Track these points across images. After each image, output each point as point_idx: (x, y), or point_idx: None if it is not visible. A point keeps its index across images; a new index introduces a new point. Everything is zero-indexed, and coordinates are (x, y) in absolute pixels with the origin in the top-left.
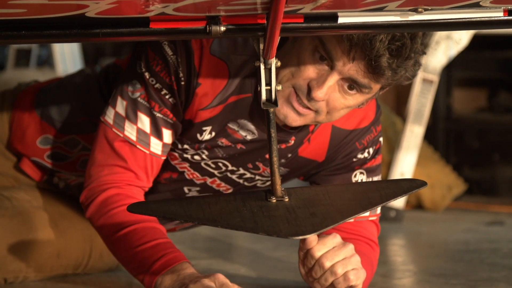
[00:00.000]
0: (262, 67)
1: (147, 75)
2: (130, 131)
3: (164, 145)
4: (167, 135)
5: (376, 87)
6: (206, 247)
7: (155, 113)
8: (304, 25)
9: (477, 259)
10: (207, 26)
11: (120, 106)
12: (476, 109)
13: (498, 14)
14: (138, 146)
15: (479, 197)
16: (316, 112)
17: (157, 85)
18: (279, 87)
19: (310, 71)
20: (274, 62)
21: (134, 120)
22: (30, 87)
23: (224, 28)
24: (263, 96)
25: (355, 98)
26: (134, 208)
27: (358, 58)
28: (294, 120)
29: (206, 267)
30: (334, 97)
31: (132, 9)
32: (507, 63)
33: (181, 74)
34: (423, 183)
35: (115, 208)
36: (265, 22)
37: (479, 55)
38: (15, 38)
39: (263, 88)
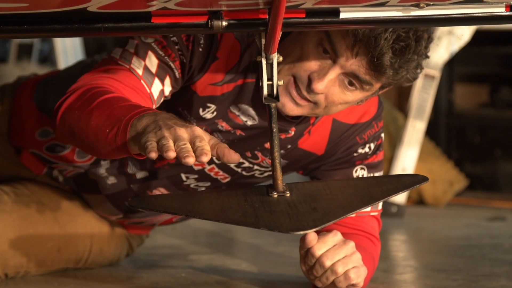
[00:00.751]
0: (263, 62)
1: None
2: (137, 65)
3: (161, 92)
4: (168, 86)
5: (376, 85)
6: (208, 242)
7: (168, 60)
8: (306, 20)
9: (478, 255)
10: (209, 20)
11: (131, 45)
12: (478, 105)
13: (500, 10)
14: (142, 81)
15: (480, 192)
16: (315, 104)
17: (174, 38)
18: (281, 82)
19: (312, 63)
20: (275, 57)
21: (143, 56)
22: (29, 80)
23: (226, 23)
24: (265, 91)
25: (354, 95)
26: (135, 203)
27: (361, 54)
28: (291, 109)
29: (207, 262)
30: (334, 91)
31: (134, 4)
32: (509, 58)
33: (202, 40)
34: (424, 179)
35: (90, 91)
36: (267, 17)
37: (481, 50)
38: (17, 32)
39: (265, 83)
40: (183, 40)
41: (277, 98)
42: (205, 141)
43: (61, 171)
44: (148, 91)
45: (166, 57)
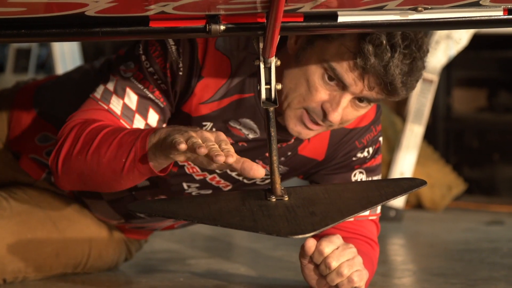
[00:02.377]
0: (261, 66)
1: (143, 57)
2: (115, 105)
3: (146, 125)
4: (153, 118)
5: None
6: (206, 246)
7: (148, 93)
8: (304, 24)
9: (477, 259)
10: (207, 25)
11: (110, 83)
12: (476, 109)
13: (498, 13)
14: (121, 120)
15: (478, 196)
16: (330, 126)
17: (151, 69)
18: (279, 86)
19: (322, 94)
20: (274, 61)
21: (121, 95)
22: (28, 85)
23: (224, 27)
24: (263, 95)
25: (366, 108)
26: (134, 207)
27: (372, 83)
28: (307, 134)
29: (205, 266)
30: (347, 112)
31: (132, 8)
32: (507, 62)
33: (180, 64)
34: (422, 182)
35: (87, 128)
36: (265, 21)
37: (479, 54)
38: (15, 37)
39: (263, 87)
40: (160, 68)
41: (275, 102)
42: (230, 145)
43: None
44: (129, 128)
45: (145, 90)
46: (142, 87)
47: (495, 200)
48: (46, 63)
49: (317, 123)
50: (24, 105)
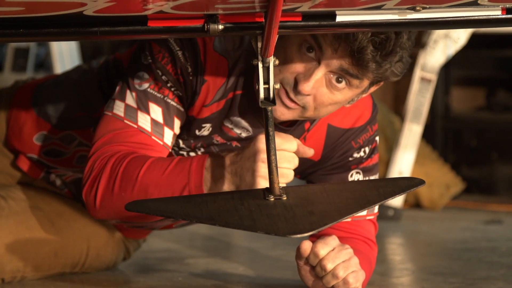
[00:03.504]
0: (260, 65)
1: (154, 66)
2: (144, 122)
3: (174, 135)
4: (177, 125)
5: (364, 81)
6: (204, 246)
7: (169, 100)
8: (302, 23)
9: (475, 258)
10: (205, 24)
11: (130, 98)
12: (474, 108)
13: (496, 13)
14: (153, 137)
15: (477, 195)
16: (303, 107)
17: (164, 77)
18: (277, 86)
19: (298, 65)
20: (272, 61)
21: (146, 110)
22: (27, 84)
23: (222, 27)
24: (261, 94)
25: (343, 94)
26: (132, 206)
27: (343, 49)
28: (282, 113)
29: (204, 266)
30: (322, 92)
31: (130, 7)
32: (505, 61)
33: (189, 69)
34: (421, 182)
35: (122, 164)
36: (263, 20)
37: (477, 53)
38: (13, 36)
39: (261, 86)
40: (172, 75)
41: (273, 102)
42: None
43: (60, 175)
44: (161, 143)
45: (165, 98)
46: (162, 96)
47: (493, 199)
48: (44, 62)
49: (291, 99)
50: (23, 104)
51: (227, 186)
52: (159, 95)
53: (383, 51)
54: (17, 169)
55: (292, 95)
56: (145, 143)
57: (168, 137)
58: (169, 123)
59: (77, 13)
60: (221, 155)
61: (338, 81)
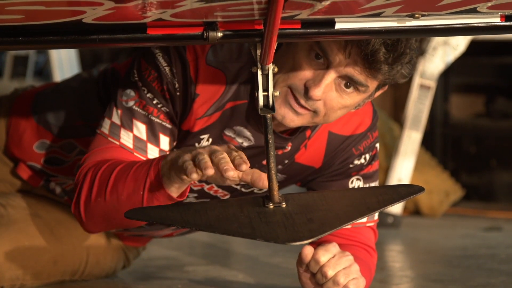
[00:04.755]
0: (259, 73)
1: (140, 84)
2: (126, 139)
3: (161, 151)
4: (164, 142)
5: (372, 84)
6: (204, 253)
7: (153, 118)
8: (301, 31)
9: (474, 265)
10: (204, 32)
11: (115, 115)
12: (474, 115)
13: (495, 20)
14: (135, 153)
15: (476, 202)
16: (314, 112)
17: (149, 94)
18: (276, 93)
19: (306, 71)
20: (271, 68)
21: (129, 127)
22: (26, 92)
23: (221, 34)
24: (260, 102)
25: (352, 97)
26: (131, 214)
27: (354, 54)
28: (292, 120)
29: (203, 273)
30: (331, 97)
31: (129, 15)
32: (504, 68)
33: (176, 85)
34: (420, 189)
35: (100, 170)
36: (262, 28)
37: (476, 61)
38: (12, 44)
39: (260, 94)
40: (158, 92)
41: (272, 109)
42: (241, 153)
43: (60, 184)
44: (144, 159)
45: (150, 116)
46: (146, 114)
47: (492, 206)
48: (43, 70)
49: (301, 105)
50: (23, 112)
51: (172, 159)
52: (143, 112)
53: (395, 53)
54: (17, 177)
55: (302, 101)
56: (127, 158)
57: (153, 153)
58: (152, 140)
59: (76, 21)
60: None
61: (347, 86)
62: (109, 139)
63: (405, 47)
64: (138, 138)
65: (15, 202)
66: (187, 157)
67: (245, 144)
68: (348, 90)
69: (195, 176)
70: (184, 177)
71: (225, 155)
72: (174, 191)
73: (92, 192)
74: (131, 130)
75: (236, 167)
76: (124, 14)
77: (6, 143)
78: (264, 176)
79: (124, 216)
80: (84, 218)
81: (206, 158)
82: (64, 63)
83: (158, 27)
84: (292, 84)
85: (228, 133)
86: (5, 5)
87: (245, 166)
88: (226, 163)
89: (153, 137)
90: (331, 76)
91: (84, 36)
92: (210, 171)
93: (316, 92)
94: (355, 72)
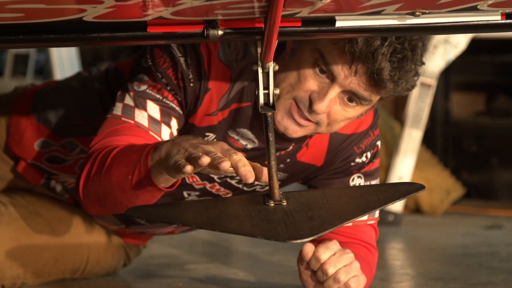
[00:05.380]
0: (260, 71)
1: (153, 69)
2: (141, 118)
3: (171, 134)
4: (175, 126)
5: (376, 98)
6: (205, 251)
7: (168, 102)
8: (302, 29)
9: (475, 263)
10: (205, 30)
11: (128, 98)
12: (474, 113)
13: (495, 18)
14: (150, 132)
15: (477, 201)
16: (317, 124)
17: (164, 80)
18: (277, 91)
19: (311, 84)
20: (272, 66)
21: (143, 107)
22: (26, 90)
23: (222, 32)
24: (261, 100)
25: (355, 110)
26: (132, 212)
27: (360, 71)
28: (295, 131)
29: (204, 271)
30: (335, 110)
31: (130, 13)
32: (505, 67)
33: (191, 76)
34: (421, 187)
35: (100, 154)
36: (263, 26)
37: (477, 59)
38: (13, 42)
39: (261, 92)
40: (172, 79)
41: (273, 107)
42: (233, 151)
43: (62, 182)
44: (159, 139)
45: (164, 99)
46: (160, 97)
47: (493, 204)
48: (44, 68)
49: (304, 117)
50: (23, 111)
51: (161, 156)
52: (158, 95)
53: (400, 70)
54: (17, 175)
55: (306, 114)
56: (143, 136)
57: (166, 134)
58: (166, 121)
59: (76, 19)
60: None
61: (350, 100)
62: (123, 119)
63: (410, 63)
64: (153, 118)
65: (15, 201)
66: (179, 157)
67: (249, 146)
68: (351, 104)
69: (189, 168)
70: (177, 174)
71: (219, 154)
72: (162, 183)
73: (91, 171)
74: (145, 109)
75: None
76: (124, 12)
77: (7, 141)
78: (265, 170)
79: (114, 199)
80: (82, 196)
81: (200, 153)
82: (65, 61)
83: (158, 25)
84: (297, 96)
85: (232, 134)
86: (5, 3)
87: (237, 157)
88: (219, 157)
89: (167, 118)
90: (335, 91)
91: (84, 34)
92: (205, 160)
93: (320, 106)
94: (360, 89)
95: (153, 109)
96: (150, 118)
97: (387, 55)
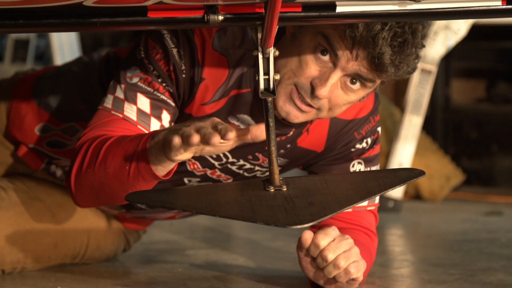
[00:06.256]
0: (260, 56)
1: (146, 61)
2: (129, 111)
3: (161, 127)
4: (166, 119)
5: (377, 81)
6: (205, 237)
7: (159, 94)
8: (302, 14)
9: (475, 249)
10: (205, 15)
11: (119, 90)
12: (475, 100)
13: (496, 3)
14: (138, 126)
15: (477, 187)
16: (318, 109)
17: (155, 72)
18: (277, 77)
19: (313, 69)
20: (272, 52)
21: (133, 100)
22: (27, 75)
23: (222, 17)
24: (261, 85)
25: (357, 94)
26: (132, 197)
27: (361, 55)
28: (296, 117)
29: (204, 257)
30: (337, 94)
31: None
32: (505, 53)
33: (183, 67)
34: (421, 173)
35: (91, 146)
36: (263, 11)
37: (477, 45)
38: (13, 27)
39: (261, 77)
40: (164, 71)
41: (273, 93)
42: (225, 124)
43: (63, 167)
44: (148, 132)
45: (155, 92)
46: (152, 90)
47: (493, 190)
48: (44, 54)
49: (306, 103)
50: (23, 96)
51: (159, 142)
52: (149, 88)
53: (401, 54)
54: (18, 160)
55: (308, 99)
56: (131, 130)
57: (155, 127)
58: (156, 115)
59: (77, 3)
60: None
61: (353, 82)
62: (112, 112)
63: (411, 47)
64: (142, 112)
65: (15, 186)
66: (174, 136)
67: None
68: (354, 87)
69: (177, 140)
70: (172, 154)
71: (210, 129)
72: (160, 170)
73: (83, 163)
74: (135, 103)
75: (223, 137)
76: None
77: (7, 126)
78: (262, 126)
79: (110, 190)
80: (73, 189)
81: (192, 131)
82: (65, 47)
83: (158, 10)
84: (298, 82)
85: (232, 120)
86: None
87: (232, 134)
88: (210, 133)
89: (157, 112)
90: (337, 75)
91: (84, 19)
92: (195, 138)
93: (323, 92)
94: (362, 72)
95: (143, 102)
96: (139, 111)
97: (387, 40)
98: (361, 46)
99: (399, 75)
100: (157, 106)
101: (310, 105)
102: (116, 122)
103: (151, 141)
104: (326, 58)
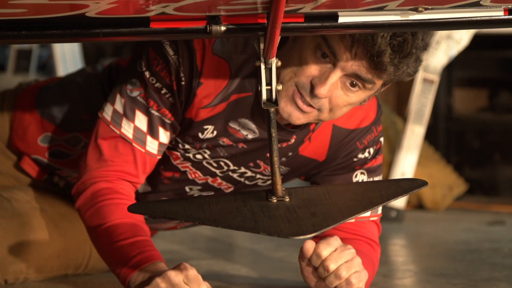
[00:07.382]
0: (262, 66)
1: (147, 74)
2: (127, 129)
3: (160, 144)
4: (163, 135)
5: (378, 83)
6: (207, 247)
7: (153, 112)
8: (304, 24)
9: (478, 259)
10: (208, 25)
11: (119, 103)
12: (477, 109)
13: (498, 13)
14: (134, 144)
15: (480, 197)
16: (319, 110)
17: (157, 84)
18: (280, 87)
19: (312, 69)
20: (274, 62)
21: (131, 118)
22: (30, 86)
23: (225, 28)
24: (264, 96)
25: (357, 95)
26: (134, 208)
27: (360, 54)
28: (298, 118)
29: (206, 267)
30: (337, 94)
31: (133, 9)
32: (507, 62)
33: (181, 74)
34: (423, 183)
35: (102, 201)
36: (266, 21)
37: (479, 54)
38: (16, 38)
39: (264, 88)
40: (166, 81)
41: (275, 103)
42: (200, 281)
43: (66, 177)
44: (143, 151)
45: (151, 109)
46: (149, 107)
47: (496, 200)
48: (47, 64)
49: (307, 103)
50: (26, 106)
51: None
52: (147, 105)
53: (401, 54)
54: (21, 170)
55: (308, 99)
56: (126, 154)
57: (152, 145)
58: (153, 133)
59: (79, 14)
60: (159, 271)
61: (352, 85)
62: (111, 126)
63: (411, 47)
64: (139, 129)
65: (19, 196)
66: None
67: (250, 136)
68: (353, 88)
69: None
70: None
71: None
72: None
73: (86, 212)
74: (132, 120)
75: None
76: (127, 8)
77: (10, 136)
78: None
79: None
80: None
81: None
82: (68, 57)
83: (161, 21)
84: (299, 82)
85: (233, 125)
86: None
87: None
88: None
89: (154, 130)
90: (337, 75)
91: (87, 30)
92: None
93: (322, 90)
94: (361, 71)
95: (141, 120)
96: (136, 130)
97: (387, 38)
98: (360, 44)
99: (398, 75)
100: (154, 125)
101: (311, 105)
102: (113, 143)
103: (131, 280)
104: (326, 59)
